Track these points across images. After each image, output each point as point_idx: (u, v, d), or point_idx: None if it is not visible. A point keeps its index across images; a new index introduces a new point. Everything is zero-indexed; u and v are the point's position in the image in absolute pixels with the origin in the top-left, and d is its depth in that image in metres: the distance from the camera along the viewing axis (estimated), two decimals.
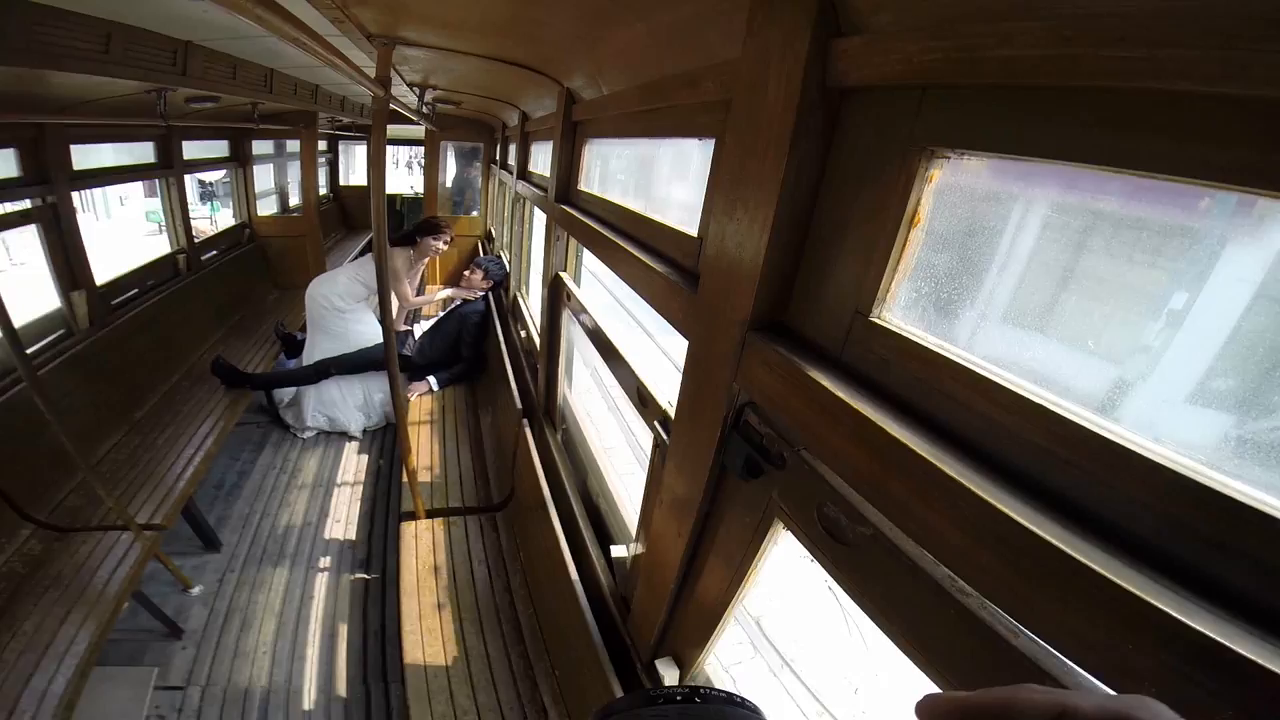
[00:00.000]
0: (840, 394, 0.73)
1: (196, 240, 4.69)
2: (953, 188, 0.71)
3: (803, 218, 0.89)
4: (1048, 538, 0.49)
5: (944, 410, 0.67)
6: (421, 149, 7.49)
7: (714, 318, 1.06)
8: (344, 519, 3.75)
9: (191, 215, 4.61)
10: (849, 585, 0.80)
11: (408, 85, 3.39)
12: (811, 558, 0.88)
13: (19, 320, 2.32)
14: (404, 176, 11.66)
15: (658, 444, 1.41)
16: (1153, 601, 0.42)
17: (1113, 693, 0.43)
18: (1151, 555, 0.47)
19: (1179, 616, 0.40)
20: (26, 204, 2.98)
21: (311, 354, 4.20)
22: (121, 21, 2.09)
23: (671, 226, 1.45)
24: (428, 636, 2.25)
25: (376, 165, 2.32)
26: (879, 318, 0.77)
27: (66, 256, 3.21)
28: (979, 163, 0.69)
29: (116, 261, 4.03)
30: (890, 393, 0.74)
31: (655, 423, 1.44)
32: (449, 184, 7.28)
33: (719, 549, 1.15)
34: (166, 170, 4.25)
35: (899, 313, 0.77)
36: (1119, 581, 0.44)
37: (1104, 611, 0.45)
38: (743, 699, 0.32)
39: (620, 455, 2.17)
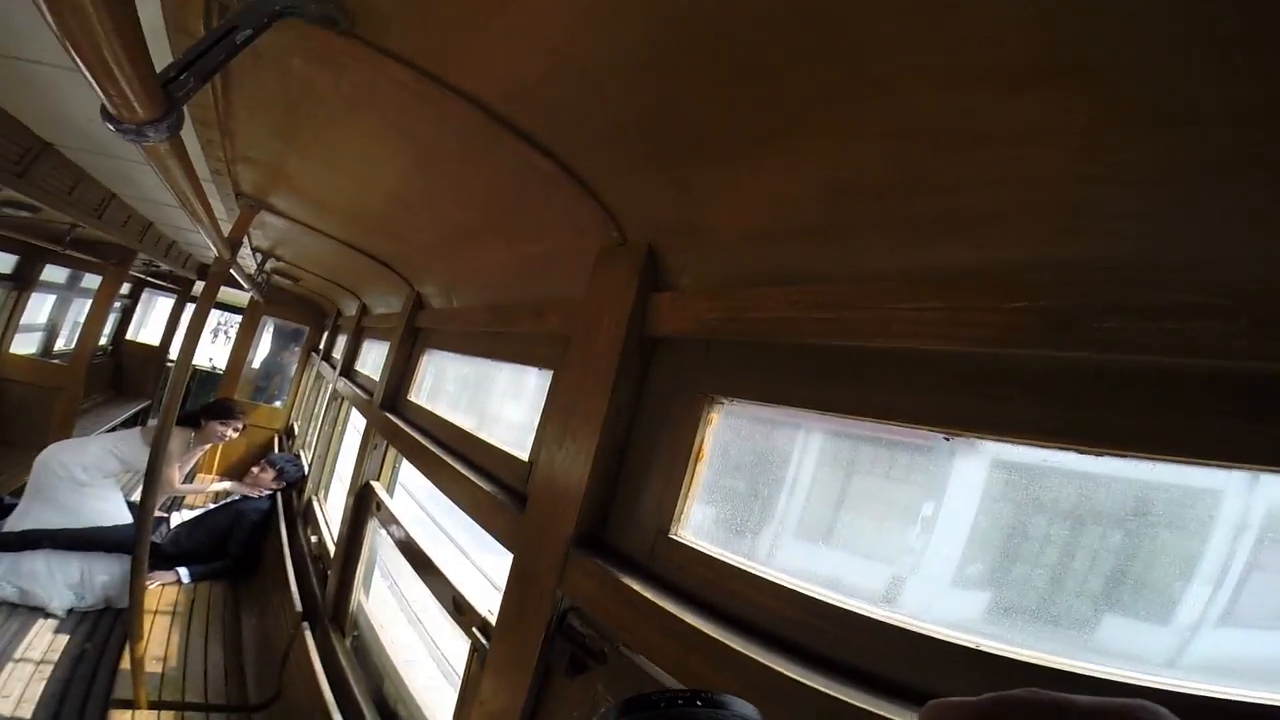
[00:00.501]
0: (648, 595, 0.91)
1: None
2: (728, 429, 1.00)
3: (619, 449, 1.11)
4: (806, 683, 0.68)
5: (728, 602, 0.87)
6: (236, 317, 6.96)
7: (540, 534, 1.21)
8: (15, 697, 2.70)
9: None
10: None
11: (251, 249, 3.35)
12: None
13: None
14: (205, 346, 10.57)
15: (476, 648, 1.41)
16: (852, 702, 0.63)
17: None
18: (863, 677, 0.69)
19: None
20: None
21: (20, 522, 3.40)
22: None
23: (504, 450, 1.60)
24: None
25: (192, 332, 2.26)
26: (675, 534, 0.99)
27: None
28: (746, 407, 0.99)
29: None
30: (688, 593, 0.93)
31: (474, 629, 1.45)
32: (256, 364, 6.70)
33: None
34: None
35: (691, 528, 1.00)
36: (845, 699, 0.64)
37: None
38: (743, 701, 0.33)
39: (423, 668, 1.97)
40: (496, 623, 1.32)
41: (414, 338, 2.61)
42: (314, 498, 3.88)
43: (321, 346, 5.68)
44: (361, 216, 2.07)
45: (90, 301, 5.22)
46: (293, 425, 5.96)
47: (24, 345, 4.97)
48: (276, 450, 5.53)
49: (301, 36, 0.83)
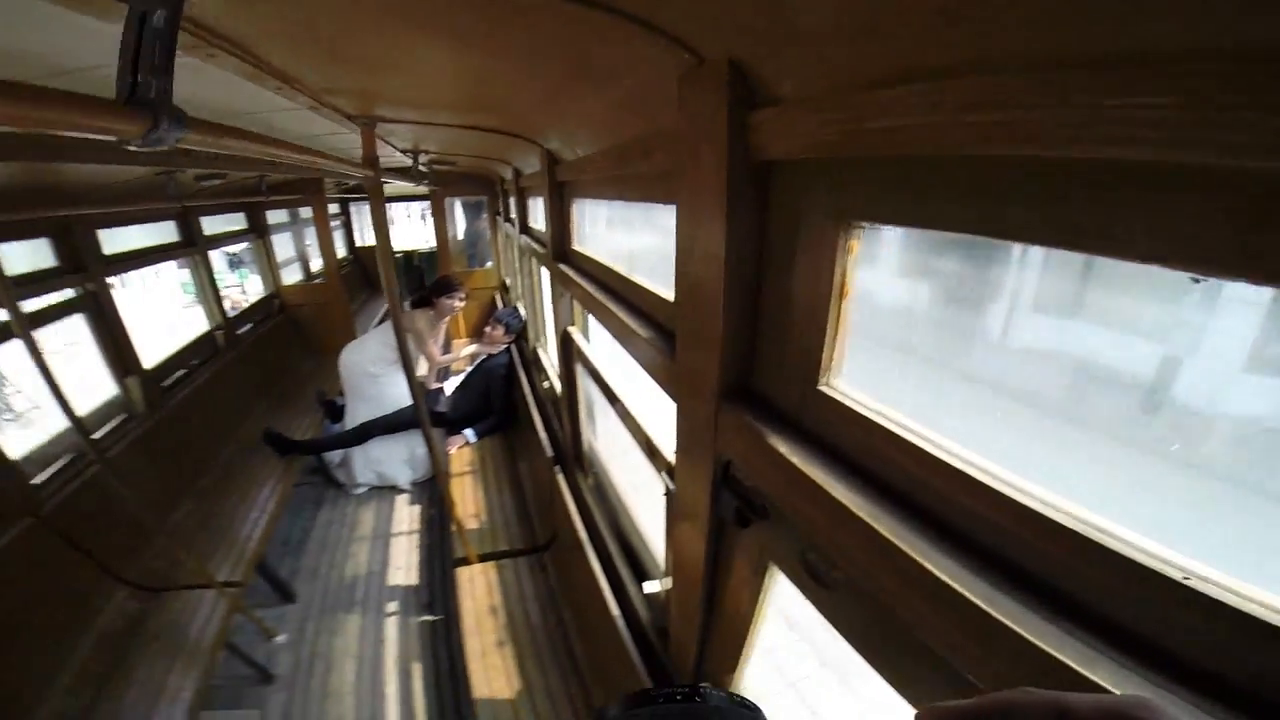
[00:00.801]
0: (795, 460, 0.85)
1: (231, 314, 4.99)
2: (876, 259, 0.82)
3: (751, 288, 0.99)
4: (1000, 617, 0.56)
5: (887, 473, 0.77)
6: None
7: (692, 384, 1.18)
8: (404, 565, 3.99)
9: (223, 285, 4.89)
10: (835, 623, 0.89)
11: (401, 152, 3.54)
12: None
13: (87, 403, 2.59)
14: (419, 229, 11.91)
15: (667, 492, 1.53)
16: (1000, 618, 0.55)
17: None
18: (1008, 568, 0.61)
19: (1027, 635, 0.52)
20: (70, 293, 3.20)
21: (353, 418, 4.44)
22: None
23: (654, 292, 1.56)
24: (492, 673, 2.43)
25: (380, 239, 2.55)
26: (825, 386, 0.87)
27: (115, 344, 3.49)
28: (897, 234, 0.82)
29: (162, 336, 4.38)
30: (842, 455, 0.84)
31: (663, 473, 1.57)
32: (460, 237, 7.51)
33: (731, 588, 1.25)
34: (189, 248, 4.48)
35: (844, 381, 0.87)
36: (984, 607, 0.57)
37: (961, 619, 0.59)
38: (743, 698, 0.32)
39: (644, 505, 2.32)
40: (675, 469, 1.39)
41: (559, 191, 2.60)
42: (536, 345, 4.42)
43: (501, 210, 6.01)
44: (464, 102, 2.03)
45: (314, 229, 6.18)
46: (504, 280, 6.67)
47: (290, 275, 6.24)
48: (499, 306, 6.33)
49: None
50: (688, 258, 1.13)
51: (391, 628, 3.49)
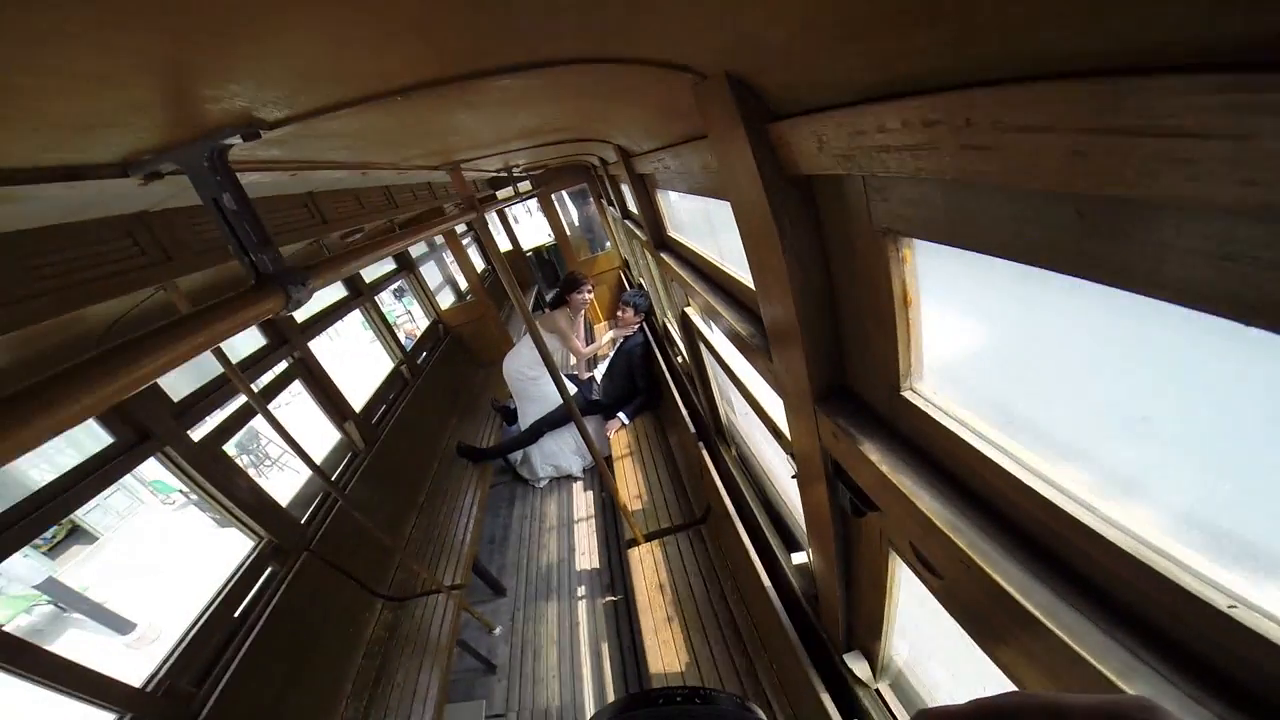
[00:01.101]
0: (884, 468, 0.88)
1: (407, 345, 5.69)
2: (940, 268, 0.78)
3: (821, 293, 1.00)
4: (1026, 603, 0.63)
5: (963, 476, 0.79)
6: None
7: (789, 385, 1.21)
8: (586, 550, 4.42)
9: (394, 315, 5.60)
10: (950, 609, 0.91)
11: (494, 173, 3.76)
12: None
13: (322, 448, 3.15)
14: (540, 222, 12.55)
15: (794, 475, 1.57)
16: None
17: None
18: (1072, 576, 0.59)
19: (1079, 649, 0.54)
20: (284, 364, 3.86)
21: (524, 419, 4.94)
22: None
23: (744, 283, 1.56)
24: (664, 647, 2.63)
25: (498, 263, 2.76)
26: (907, 392, 0.88)
27: (330, 398, 4.16)
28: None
29: (359, 373, 5.06)
30: (928, 459, 0.86)
31: (789, 456, 1.60)
32: (576, 224, 7.80)
33: (862, 565, 1.31)
34: (358, 299, 5.10)
35: (927, 386, 0.87)
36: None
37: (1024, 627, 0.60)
38: (742, 699, 0.34)
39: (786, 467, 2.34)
40: (796, 458, 1.43)
41: (642, 182, 2.62)
42: (665, 321, 4.51)
43: (601, 193, 6.12)
44: (528, 130, 2.11)
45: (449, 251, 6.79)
46: (625, 260, 6.83)
47: (445, 300, 6.91)
48: (626, 284, 6.51)
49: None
50: (757, 261, 1.15)
51: (582, 611, 3.89)
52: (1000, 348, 0.78)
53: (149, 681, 2.27)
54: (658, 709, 0.33)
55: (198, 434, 2.95)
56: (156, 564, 9.42)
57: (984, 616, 0.77)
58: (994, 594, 0.67)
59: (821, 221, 0.93)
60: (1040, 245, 0.51)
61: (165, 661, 2.38)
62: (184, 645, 2.47)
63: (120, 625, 7.72)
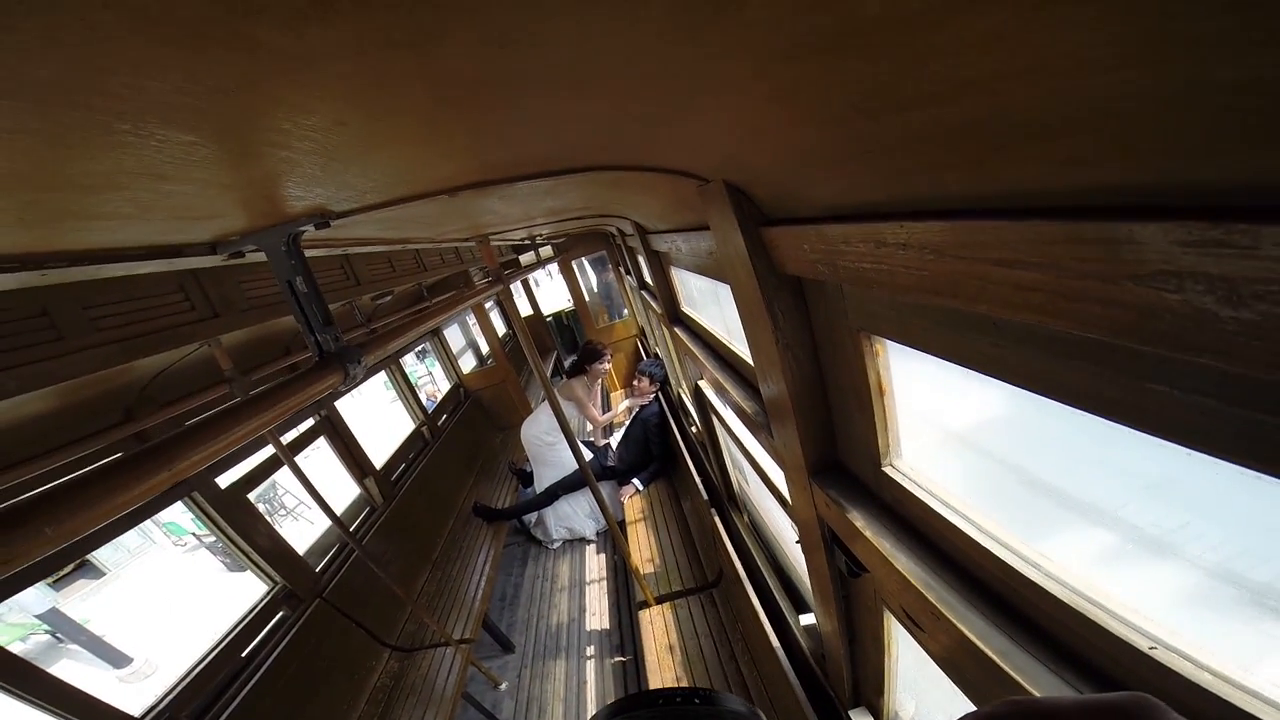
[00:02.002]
0: (868, 534, 0.95)
1: (429, 407, 5.85)
2: (909, 362, 0.89)
3: (812, 379, 1.10)
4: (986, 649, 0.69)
5: (939, 542, 0.87)
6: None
7: (788, 458, 1.30)
8: (597, 611, 4.39)
9: (415, 376, 5.76)
10: (935, 659, 0.95)
11: (519, 241, 3.95)
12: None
13: (341, 501, 3.26)
14: (562, 289, 12.95)
15: (798, 540, 1.62)
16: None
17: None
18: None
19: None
20: (311, 422, 3.99)
21: (540, 483, 5.02)
22: None
23: (748, 361, 1.65)
24: None
25: (521, 335, 2.92)
26: (889, 466, 0.98)
27: (352, 455, 4.28)
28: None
29: (379, 432, 5.08)
30: (912, 528, 0.94)
31: (794, 525, 1.66)
32: (595, 289, 8.05)
33: (862, 623, 1.35)
34: (384, 361, 5.26)
35: (905, 464, 0.97)
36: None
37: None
38: (742, 700, 0.34)
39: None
40: (798, 524, 1.50)
41: (657, 258, 2.79)
42: (679, 391, 4.61)
43: (619, 262, 6.36)
44: (551, 210, 2.30)
45: (471, 316, 7.03)
46: (642, 328, 7.02)
47: (466, 364, 7.11)
48: (642, 353, 6.66)
49: None
50: (754, 344, 1.26)
51: (590, 670, 3.85)
52: (960, 431, 0.87)
53: (147, 713, 2.30)
54: (658, 709, 0.34)
55: (224, 481, 3.07)
56: (162, 603, 9.44)
57: (958, 664, 0.83)
58: (960, 641, 0.75)
59: (810, 315, 1.04)
60: (971, 352, 0.62)
61: (167, 695, 2.42)
62: (188, 681, 2.50)
63: (116, 659, 7.73)
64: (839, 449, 1.16)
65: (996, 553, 0.73)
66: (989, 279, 0.49)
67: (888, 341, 0.87)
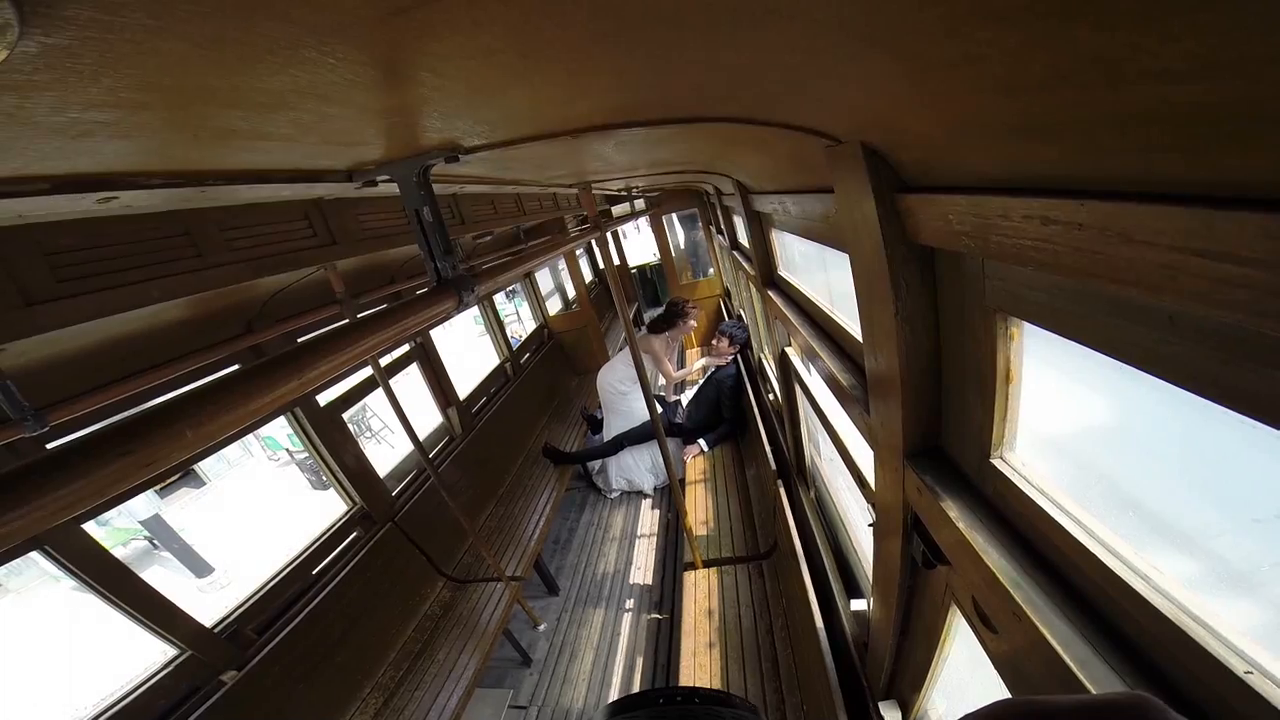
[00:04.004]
0: (961, 526, 0.92)
1: (514, 345, 6.07)
2: (1049, 348, 0.83)
3: (929, 356, 1.04)
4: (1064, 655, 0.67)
5: (1038, 543, 0.83)
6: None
7: (884, 438, 1.26)
8: (643, 566, 4.52)
9: (503, 313, 5.95)
10: (997, 664, 0.94)
11: (615, 191, 3.94)
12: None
13: (422, 430, 3.46)
14: (648, 241, 12.95)
15: (872, 523, 1.59)
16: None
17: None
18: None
19: None
20: (406, 347, 4.21)
21: (608, 431, 5.14)
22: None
23: (851, 332, 1.60)
24: (699, 670, 2.66)
25: (613, 283, 2.93)
26: (995, 460, 0.93)
27: (439, 383, 4.52)
28: None
29: (468, 363, 5.36)
30: (1010, 525, 0.90)
31: (870, 506, 1.62)
32: (681, 246, 7.98)
33: (921, 616, 1.33)
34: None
35: (1016, 457, 0.91)
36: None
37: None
38: (741, 699, 0.33)
39: (863, 515, 2.33)
40: (876, 505, 1.46)
41: (758, 219, 2.71)
42: (761, 356, 4.54)
43: (711, 220, 6.25)
44: (652, 162, 2.29)
45: (562, 260, 7.16)
46: (727, 288, 6.91)
47: (553, 306, 7.28)
48: (724, 314, 6.58)
49: None
50: (867, 315, 1.21)
51: (626, 623, 3.99)
52: (1089, 432, 0.81)
53: (219, 623, 2.50)
54: (658, 709, 0.33)
55: (323, 399, 3.29)
56: (249, 515, 10.12)
57: (1023, 669, 0.82)
58: (1036, 644, 0.73)
59: (937, 290, 0.98)
60: (1133, 346, 0.56)
61: (239, 607, 2.62)
62: (260, 594, 2.70)
63: (200, 568, 8.25)
64: (942, 433, 1.11)
65: (1102, 558, 0.69)
66: (1184, 269, 0.44)
67: (1026, 325, 0.81)
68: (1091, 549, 0.71)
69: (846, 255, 1.23)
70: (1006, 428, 0.90)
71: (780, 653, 2.63)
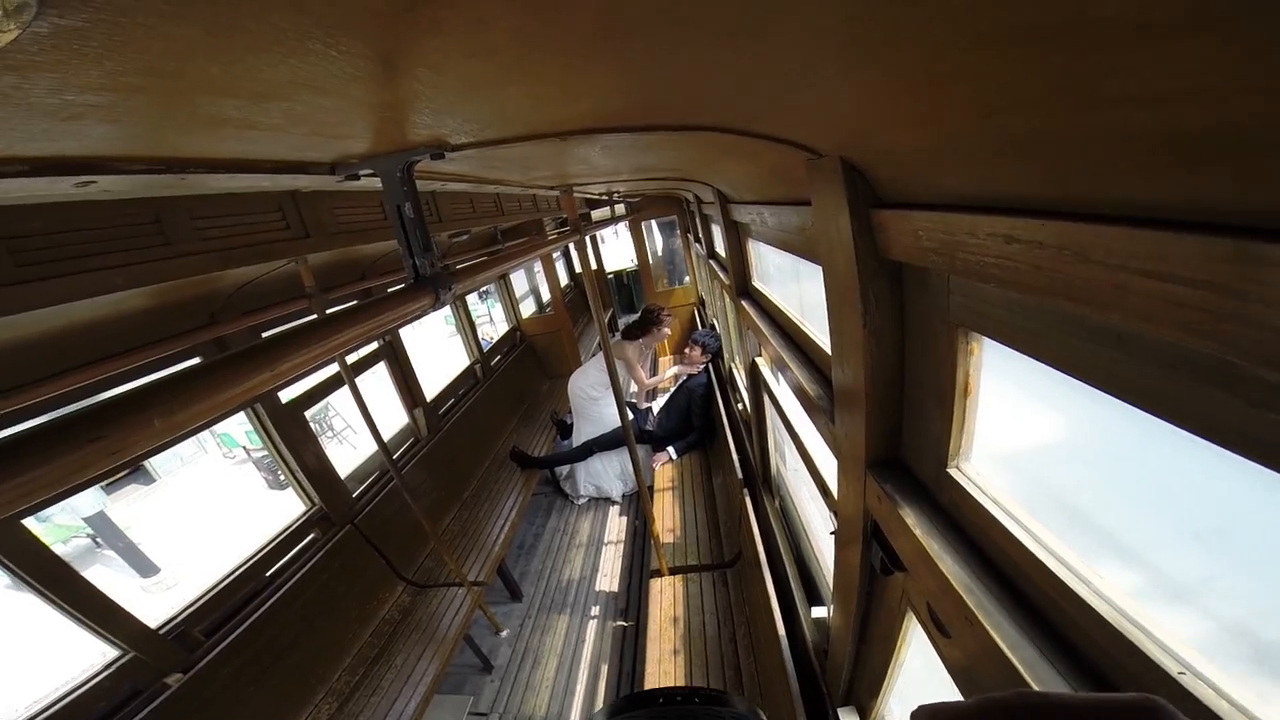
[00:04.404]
0: (917, 532, 0.96)
1: (485, 347, 6.01)
2: (1005, 363, 0.87)
3: (894, 368, 1.08)
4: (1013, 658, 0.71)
5: (990, 551, 0.87)
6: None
7: (846, 448, 1.30)
8: (609, 573, 4.51)
9: (474, 314, 5.91)
10: (950, 669, 0.97)
11: (596, 195, 3.94)
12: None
13: (387, 430, 3.41)
14: (625, 247, 12.99)
15: (833, 531, 1.63)
16: None
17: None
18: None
19: None
20: (375, 345, 4.14)
21: (578, 436, 5.14)
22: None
23: (818, 343, 1.65)
24: (664, 677, 2.67)
25: (590, 288, 2.95)
26: (952, 470, 0.97)
27: (407, 383, 4.44)
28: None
29: (435, 363, 5.29)
30: (965, 533, 0.94)
31: (833, 514, 1.66)
32: (659, 253, 8.05)
33: (878, 622, 1.37)
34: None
35: (972, 468, 0.96)
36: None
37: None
38: (741, 699, 0.33)
39: (824, 525, 2.39)
40: (838, 515, 1.50)
41: (735, 229, 2.76)
42: (732, 366, 4.59)
43: (689, 228, 6.30)
44: (634, 168, 2.31)
45: (539, 263, 7.15)
46: (701, 296, 6.99)
47: (526, 308, 7.24)
48: (698, 322, 6.65)
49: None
50: (837, 327, 1.24)
51: (591, 630, 3.97)
52: (1041, 445, 0.86)
53: (165, 625, 2.41)
54: (658, 709, 0.33)
55: (285, 395, 3.19)
56: (199, 515, 9.75)
57: (975, 673, 0.85)
58: (986, 648, 0.76)
59: (904, 304, 1.03)
60: (1085, 363, 0.61)
61: (187, 608, 2.53)
62: (210, 595, 2.62)
63: (145, 568, 7.92)
64: (903, 445, 1.15)
65: (1049, 565, 0.73)
66: (1132, 288, 0.48)
67: (986, 341, 0.85)
68: (1040, 556, 0.74)
69: (820, 268, 1.27)
70: (963, 439, 0.95)
71: (743, 660, 2.65)
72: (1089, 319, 0.58)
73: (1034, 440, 0.91)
